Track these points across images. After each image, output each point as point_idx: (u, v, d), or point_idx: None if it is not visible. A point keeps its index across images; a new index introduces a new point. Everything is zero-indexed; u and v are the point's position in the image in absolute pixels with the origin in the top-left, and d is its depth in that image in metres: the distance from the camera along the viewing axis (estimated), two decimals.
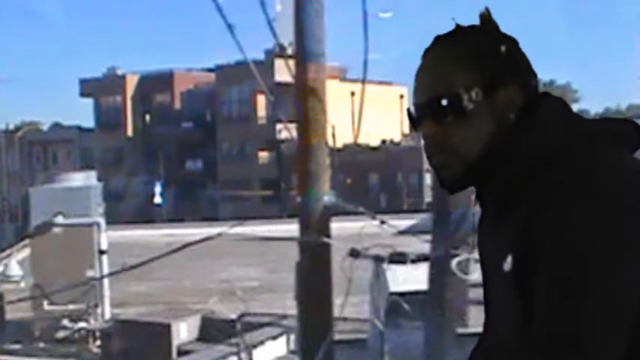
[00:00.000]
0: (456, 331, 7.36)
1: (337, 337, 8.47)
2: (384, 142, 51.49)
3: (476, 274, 7.14)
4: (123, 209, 48.21)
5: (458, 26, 1.66)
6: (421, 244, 8.37)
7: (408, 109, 1.69)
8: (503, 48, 1.61)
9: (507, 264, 1.50)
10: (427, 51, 1.66)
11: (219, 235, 8.21)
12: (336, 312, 7.71)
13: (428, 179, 52.32)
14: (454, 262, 6.91)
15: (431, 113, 1.61)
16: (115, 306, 16.46)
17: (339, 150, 51.52)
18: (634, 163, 1.54)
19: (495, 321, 1.62)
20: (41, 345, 14.10)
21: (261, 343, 10.10)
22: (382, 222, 7.39)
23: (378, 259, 7.30)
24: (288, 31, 7.91)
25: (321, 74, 7.62)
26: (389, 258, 7.29)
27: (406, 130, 57.68)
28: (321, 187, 7.58)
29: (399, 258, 7.38)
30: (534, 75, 1.65)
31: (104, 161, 54.38)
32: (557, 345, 1.40)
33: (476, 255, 6.02)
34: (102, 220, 14.38)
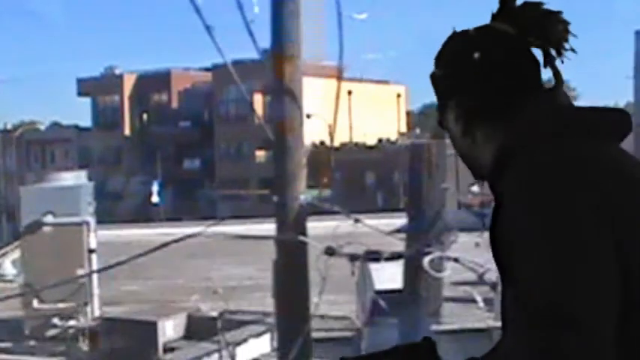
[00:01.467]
0: (429, 328, 7.45)
1: (324, 335, 8.58)
2: (380, 140, 51.55)
3: (448, 272, 7.24)
4: (121, 209, 48.32)
5: None
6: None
7: None
8: (438, 72, 1.81)
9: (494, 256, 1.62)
10: None
11: (199, 234, 8.30)
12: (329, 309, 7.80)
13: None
14: (426, 260, 6.99)
15: None
16: (107, 304, 16.55)
17: (336, 149, 51.62)
18: (602, 152, 1.63)
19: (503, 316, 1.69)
20: (32, 343, 14.20)
21: (245, 340, 10.20)
22: (357, 220, 7.47)
23: (354, 257, 7.39)
24: (267, 33, 8.00)
25: (297, 74, 7.71)
26: (363, 256, 7.38)
27: (403, 128, 57.72)
28: (298, 186, 7.68)
29: (373, 256, 7.47)
30: (499, 89, 1.72)
31: (102, 160, 54.46)
32: (546, 324, 1.45)
33: (449, 253, 6.11)
34: (91, 219, 14.46)
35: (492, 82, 1.73)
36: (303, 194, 7.68)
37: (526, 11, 1.73)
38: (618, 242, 1.52)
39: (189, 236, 8.27)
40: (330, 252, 7.45)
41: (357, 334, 8.46)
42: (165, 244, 8.64)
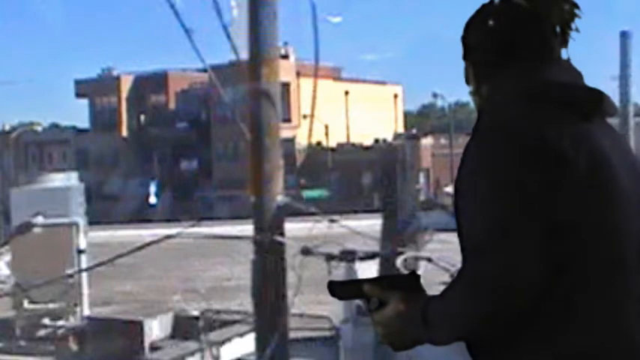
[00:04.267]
0: None
1: (302, 334, 8.66)
2: (377, 141, 51.67)
3: (421, 271, 7.34)
4: (119, 210, 48.41)
5: None
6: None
7: None
8: (462, 36, 2.05)
9: None
10: None
11: (179, 234, 8.42)
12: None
13: (421, 178, 52.42)
14: (399, 259, 7.11)
15: None
16: (100, 305, 16.66)
17: (332, 149, 51.72)
18: (560, 118, 1.84)
19: None
20: (22, 343, 14.31)
21: (229, 340, 10.31)
22: (332, 220, 7.59)
23: (330, 257, 7.51)
24: (245, 36, 8.09)
25: (273, 76, 7.81)
26: (339, 256, 7.50)
27: (400, 129, 57.81)
28: (275, 187, 7.77)
29: (348, 256, 7.59)
30: (498, 51, 1.97)
31: (100, 162, 54.56)
32: (478, 252, 1.75)
33: (422, 253, 6.18)
34: (81, 220, 14.56)
35: (497, 45, 1.97)
36: (280, 195, 7.78)
37: None
38: (551, 189, 1.76)
39: (168, 237, 8.41)
40: (306, 252, 7.56)
41: (336, 332, 8.57)
42: (144, 246, 8.76)
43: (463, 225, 1.83)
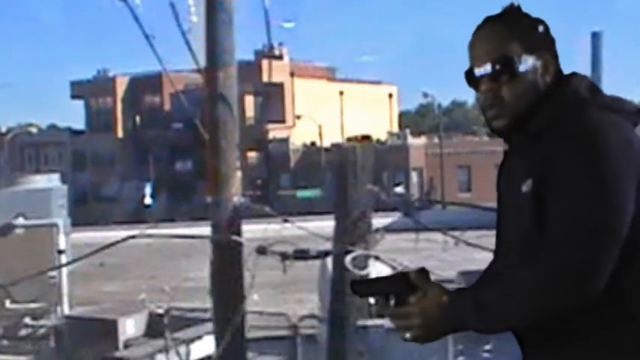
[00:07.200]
0: (356, 323, 7.77)
1: (261, 330, 8.86)
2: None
3: (368, 270, 7.56)
4: (115, 211, 48.58)
5: (505, 9, 2.16)
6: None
7: (467, 72, 2.16)
8: (540, 27, 2.13)
9: (526, 186, 1.98)
10: (480, 28, 2.15)
11: (138, 236, 8.66)
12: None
13: (414, 177, 52.59)
14: (348, 257, 7.31)
15: (489, 74, 2.11)
16: (85, 304, 16.85)
17: (326, 149, 51.85)
18: (624, 123, 2.02)
19: (507, 244, 2.10)
20: (4, 342, 14.50)
21: (199, 337, 10.47)
22: (286, 220, 7.80)
23: (285, 257, 7.72)
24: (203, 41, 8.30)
25: (229, 80, 8.02)
26: (293, 255, 7.71)
27: (395, 128, 57.97)
28: (231, 188, 7.99)
29: (301, 254, 7.80)
30: (557, 53, 2.15)
31: (96, 163, 54.72)
32: (561, 246, 1.87)
33: (372, 252, 6.39)
34: (61, 221, 14.73)
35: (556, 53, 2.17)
36: (237, 196, 7.99)
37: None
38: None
39: (132, 237, 8.63)
40: (261, 251, 7.77)
41: (293, 329, 8.77)
42: (107, 246, 8.99)
43: (545, 218, 1.94)
